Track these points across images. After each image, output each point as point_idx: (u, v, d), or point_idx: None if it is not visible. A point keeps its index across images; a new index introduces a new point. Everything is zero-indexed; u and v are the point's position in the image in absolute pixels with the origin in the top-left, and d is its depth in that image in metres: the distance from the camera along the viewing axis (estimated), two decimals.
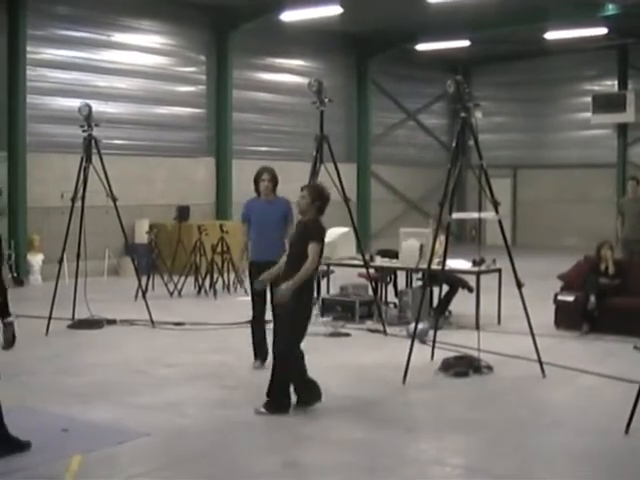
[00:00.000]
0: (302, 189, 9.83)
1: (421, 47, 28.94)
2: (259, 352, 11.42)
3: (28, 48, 20.90)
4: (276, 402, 9.35)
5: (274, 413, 9.24)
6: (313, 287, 9.82)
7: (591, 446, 8.36)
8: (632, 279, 14.40)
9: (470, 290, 14.52)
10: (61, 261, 14.64)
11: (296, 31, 26.42)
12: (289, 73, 27.45)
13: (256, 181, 12.33)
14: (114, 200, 14.50)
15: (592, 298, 13.95)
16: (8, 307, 8.01)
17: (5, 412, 7.99)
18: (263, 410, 9.30)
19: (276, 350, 9.59)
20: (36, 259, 20.67)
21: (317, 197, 9.61)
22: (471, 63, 32.62)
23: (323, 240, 9.52)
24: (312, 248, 9.32)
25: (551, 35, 26.78)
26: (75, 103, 15.91)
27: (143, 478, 7.42)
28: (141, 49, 23.64)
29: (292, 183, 23.14)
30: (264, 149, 26.79)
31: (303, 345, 9.47)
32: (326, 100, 13.79)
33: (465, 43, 28.01)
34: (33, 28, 21.07)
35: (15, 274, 20.49)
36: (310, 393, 9.47)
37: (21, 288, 20.15)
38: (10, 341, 8.07)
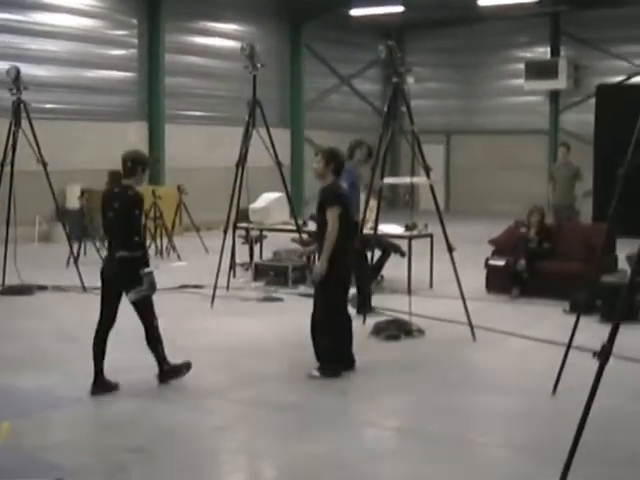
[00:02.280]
0: (316, 154, 9.81)
1: (355, 12, 28.86)
2: None
3: None
4: (328, 366, 9.36)
5: (327, 377, 9.28)
6: (344, 250, 9.44)
7: (520, 407, 8.51)
8: (562, 244, 14.58)
9: (402, 255, 14.60)
10: None
11: None
12: (222, 37, 27.21)
13: None
14: (44, 165, 14.33)
15: (522, 262, 14.12)
16: (147, 261, 8.86)
17: None
18: (316, 373, 9.33)
19: (315, 319, 9.53)
20: None
21: (331, 160, 9.59)
22: (405, 29, 32.62)
23: (341, 203, 9.40)
24: (329, 213, 9.31)
25: (485, 1, 26.87)
26: (3, 66, 15.65)
27: (73, 444, 7.43)
28: (71, 11, 23.24)
29: (224, 148, 23.20)
30: (197, 114, 26.61)
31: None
32: (259, 65, 13.71)
33: (399, 8, 27.97)
34: None
35: None
36: (334, 366, 9.43)
37: None
38: (153, 287, 8.91)
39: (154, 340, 9.15)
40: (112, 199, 8.96)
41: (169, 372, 9.17)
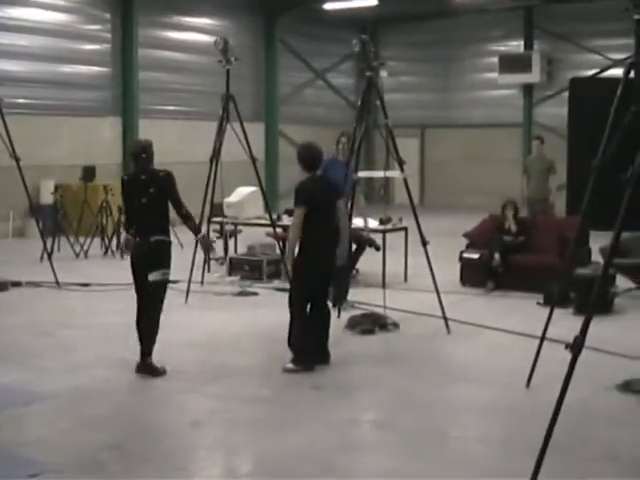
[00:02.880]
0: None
1: (329, 6, 28.84)
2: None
3: None
4: (300, 358, 9.40)
5: (300, 370, 9.32)
6: (310, 248, 9.43)
7: (494, 400, 8.54)
8: (536, 237, 14.66)
9: (377, 248, 14.62)
10: None
11: None
12: (196, 31, 27.14)
13: None
14: (17, 160, 14.27)
15: (496, 256, 14.18)
16: (197, 227, 9.79)
17: None
18: (290, 366, 9.35)
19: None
20: None
21: (300, 156, 9.71)
22: (379, 22, 32.63)
23: (305, 201, 9.37)
24: (295, 212, 9.44)
25: None
26: None
27: (48, 440, 7.39)
28: (44, 6, 23.10)
29: (199, 143, 23.15)
30: (172, 108, 26.53)
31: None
32: (232, 59, 13.70)
33: (373, 2, 27.97)
34: None
35: None
36: (308, 359, 9.44)
37: None
38: (209, 248, 10.14)
39: (152, 325, 9.30)
40: (145, 185, 9.29)
41: (148, 367, 9.21)
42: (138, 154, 9.52)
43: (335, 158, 13.26)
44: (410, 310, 12.40)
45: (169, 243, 9.39)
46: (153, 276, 9.20)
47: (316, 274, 9.58)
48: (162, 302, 9.39)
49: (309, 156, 9.70)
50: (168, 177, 9.44)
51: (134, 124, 24.92)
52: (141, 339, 9.30)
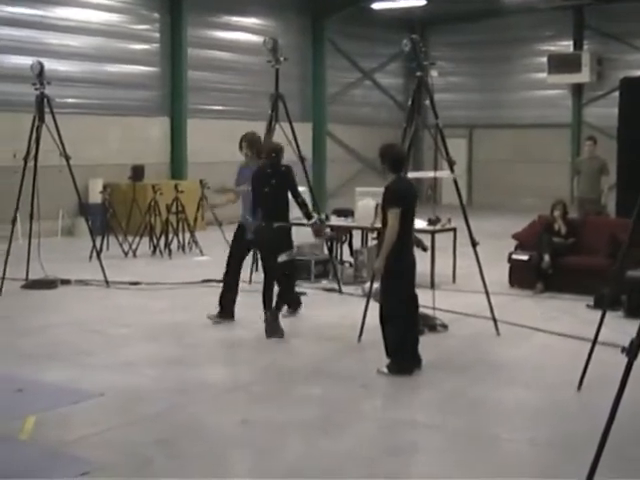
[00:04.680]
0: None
1: (377, 6, 28.81)
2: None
3: None
4: (396, 363, 9.28)
5: (395, 374, 9.19)
6: (405, 250, 9.44)
7: (544, 402, 8.46)
8: (586, 238, 14.52)
9: (424, 249, 14.53)
10: (14, 221, 14.47)
11: None
12: (244, 31, 27.21)
13: None
14: (67, 159, 14.36)
15: (546, 257, 14.06)
16: (310, 212, 11.44)
17: None
18: (385, 370, 9.24)
19: (382, 314, 9.47)
20: None
21: (385, 156, 9.46)
22: (428, 22, 32.51)
23: (401, 202, 9.23)
24: (389, 214, 9.19)
25: None
26: (27, 61, 15.66)
27: (97, 438, 7.40)
28: (94, 6, 23.29)
29: None
30: (219, 108, 26.61)
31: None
32: (281, 58, 13.72)
33: (422, 2, 27.91)
34: None
35: None
36: (403, 363, 9.34)
37: None
38: (320, 232, 11.75)
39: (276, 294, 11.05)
40: (269, 177, 10.84)
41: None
42: (270, 152, 10.99)
43: None
44: (459, 311, 12.33)
45: (289, 227, 11.03)
46: (282, 257, 10.84)
47: (410, 275, 9.51)
48: (294, 275, 11.66)
49: (396, 156, 9.52)
50: (288, 170, 11.03)
51: (182, 124, 25.03)
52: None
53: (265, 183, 10.87)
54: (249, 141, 11.69)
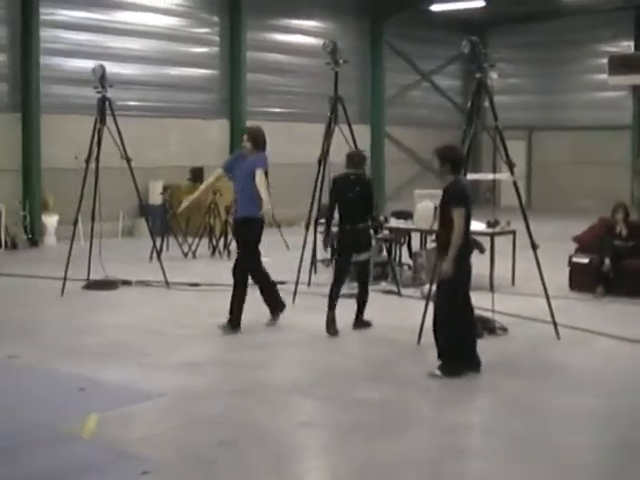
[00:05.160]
0: (433, 153, 9.57)
1: (436, 8, 28.73)
2: None
3: (41, 9, 20.87)
4: (449, 365, 9.26)
5: (448, 376, 9.18)
6: (466, 252, 9.46)
7: (606, 407, 8.39)
8: None
9: (481, 251, 14.48)
10: (76, 222, 14.65)
11: None
12: (303, 34, 27.31)
13: None
14: (128, 161, 14.49)
15: (607, 260, 13.93)
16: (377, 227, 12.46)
17: (23, 371, 8.06)
18: (438, 372, 9.23)
19: (437, 316, 9.46)
20: (51, 220, 20.71)
21: (446, 158, 9.39)
22: (486, 24, 32.35)
23: (464, 202, 9.22)
24: (455, 214, 9.14)
25: None
26: (89, 64, 15.89)
27: (158, 437, 7.47)
28: (154, 10, 23.53)
29: (304, 144, 23.28)
30: (278, 110, 26.73)
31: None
32: (341, 61, 13.74)
33: (480, 3, 27.80)
34: None
35: (30, 235, 20.57)
36: (456, 365, 9.32)
37: (36, 249, 20.26)
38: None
39: (363, 292, 11.67)
40: (353, 184, 11.45)
41: (362, 323, 11.66)
42: (353, 159, 11.66)
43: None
44: (518, 314, 12.26)
45: (369, 229, 11.56)
46: (362, 257, 11.46)
47: (467, 277, 9.49)
48: (369, 274, 11.96)
49: (456, 157, 9.49)
50: (370, 182, 11.84)
51: (241, 126, 25.10)
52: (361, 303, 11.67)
53: (350, 189, 11.43)
54: (251, 134, 11.71)
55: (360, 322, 11.69)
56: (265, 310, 11.73)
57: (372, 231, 11.92)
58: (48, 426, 7.66)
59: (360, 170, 11.68)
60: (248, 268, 11.58)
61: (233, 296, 11.48)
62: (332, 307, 11.45)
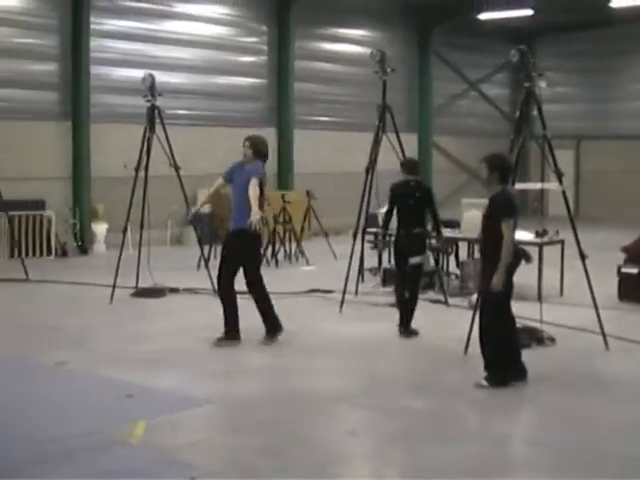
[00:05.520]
0: (481, 161, 9.52)
1: (484, 16, 28.62)
2: None
3: (91, 19, 21.08)
4: (496, 375, 9.23)
5: (494, 387, 9.14)
6: (513, 263, 9.45)
7: None
8: None
9: (528, 261, 14.35)
10: (125, 230, 14.76)
11: (358, 1, 26.39)
12: (350, 43, 27.34)
13: None
14: (177, 169, 14.58)
15: None
16: (440, 228, 12.46)
17: (72, 377, 8.13)
18: (484, 383, 9.20)
19: (482, 326, 9.43)
20: (100, 228, 20.88)
21: (495, 166, 9.33)
22: (534, 32, 32.17)
23: (513, 213, 9.18)
24: (503, 226, 9.09)
25: (617, 3, 26.31)
26: (137, 73, 16.02)
27: (205, 444, 7.51)
28: (203, 19, 23.70)
29: (351, 153, 23.31)
30: (325, 119, 26.79)
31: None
32: (389, 70, 13.75)
33: (528, 12, 27.65)
34: None
35: (79, 242, 20.76)
36: (503, 375, 9.28)
37: (85, 256, 20.45)
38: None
39: (412, 298, 11.84)
40: (413, 190, 11.97)
41: (410, 331, 11.71)
42: (409, 166, 12.26)
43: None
44: (567, 325, 12.17)
45: (425, 234, 12.03)
46: (415, 260, 11.73)
47: (511, 287, 9.44)
48: (419, 280, 12.11)
49: (506, 167, 9.43)
50: (429, 188, 12.32)
51: (289, 135, 25.25)
52: (406, 310, 11.78)
53: (410, 196, 11.91)
54: (252, 142, 11.57)
55: (407, 330, 11.71)
56: (318, 318, 11.75)
57: (431, 235, 12.41)
58: (96, 432, 7.72)
59: (417, 176, 12.16)
60: (251, 282, 11.28)
61: (225, 312, 11.23)
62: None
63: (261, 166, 11.31)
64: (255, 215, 10.71)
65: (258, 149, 11.39)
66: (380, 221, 15.82)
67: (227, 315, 11.19)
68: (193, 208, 12.70)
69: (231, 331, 11.16)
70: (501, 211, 9.17)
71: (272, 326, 11.27)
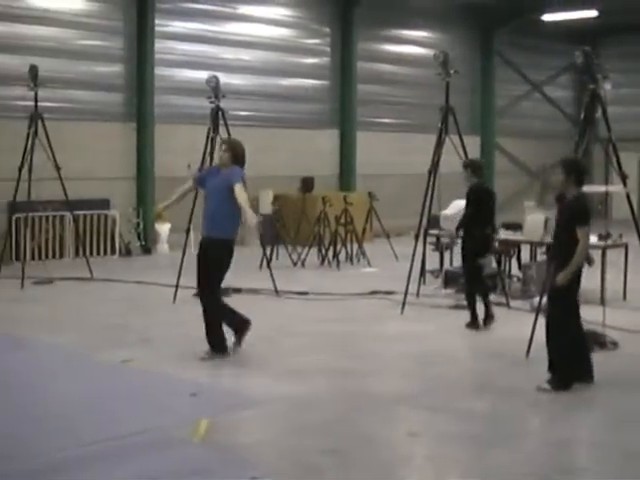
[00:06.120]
0: (554, 165, 9.50)
1: (547, 17, 28.41)
2: None
3: (156, 21, 21.31)
4: (559, 379, 9.19)
5: (557, 390, 9.11)
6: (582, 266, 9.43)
7: None
8: None
9: (590, 263, 14.24)
10: (188, 231, 14.89)
11: (420, 2, 26.35)
12: (413, 44, 27.31)
13: None
14: None
15: None
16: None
17: (136, 375, 8.22)
18: (547, 386, 9.17)
19: (549, 327, 9.40)
20: (163, 228, 21.07)
21: (571, 170, 9.23)
22: (599, 34, 31.83)
23: (589, 220, 9.14)
24: (581, 233, 9.03)
25: None
26: (201, 75, 16.16)
27: (267, 444, 7.57)
28: (266, 21, 23.82)
29: (413, 155, 23.29)
30: (387, 121, 26.79)
31: None
32: (452, 71, 13.73)
33: (593, 13, 27.41)
34: (161, 1, 21.48)
35: (143, 242, 20.98)
36: (566, 379, 9.22)
37: (148, 256, 20.65)
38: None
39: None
40: (491, 193, 12.75)
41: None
42: (481, 168, 12.71)
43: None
44: (630, 329, 12.06)
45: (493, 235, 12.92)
46: (479, 262, 12.44)
47: (578, 290, 9.40)
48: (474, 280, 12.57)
49: (582, 171, 9.32)
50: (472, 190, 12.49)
51: (352, 136, 25.29)
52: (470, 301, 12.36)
53: (491, 198, 12.57)
54: (231, 146, 10.74)
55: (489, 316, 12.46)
56: (379, 319, 11.76)
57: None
58: (159, 429, 7.82)
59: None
60: (208, 289, 10.75)
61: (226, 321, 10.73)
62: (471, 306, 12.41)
63: (240, 171, 10.48)
64: (252, 219, 10.10)
65: (236, 153, 10.56)
66: (454, 222, 15.82)
67: (227, 323, 10.71)
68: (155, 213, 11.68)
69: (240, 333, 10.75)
70: (579, 218, 9.09)
71: (214, 342, 10.52)
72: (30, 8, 19.69)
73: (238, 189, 10.15)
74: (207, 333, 10.52)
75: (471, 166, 12.52)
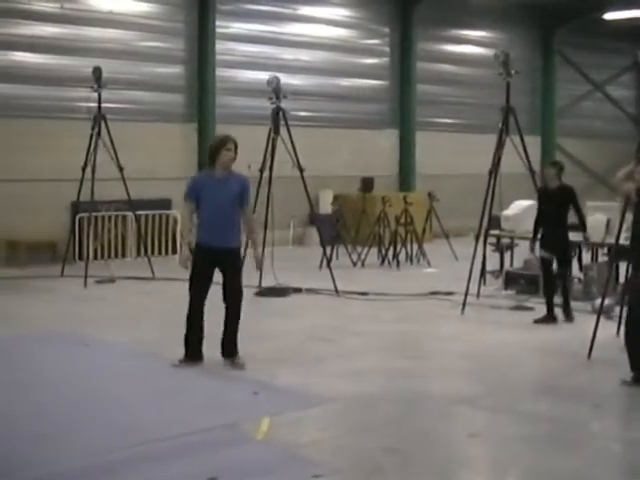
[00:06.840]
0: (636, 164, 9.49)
1: (609, 16, 28.14)
2: None
3: (217, 22, 21.47)
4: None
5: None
6: None
7: None
8: None
9: None
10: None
11: (480, 1, 26.26)
12: (472, 44, 27.23)
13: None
14: (301, 171, 14.74)
15: None
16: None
17: (200, 375, 8.28)
18: (629, 380, 9.16)
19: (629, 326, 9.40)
20: None
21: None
22: None
23: None
24: None
25: None
26: (262, 76, 16.27)
27: (328, 443, 7.60)
28: (326, 22, 23.89)
29: (473, 155, 23.19)
30: (447, 121, 26.73)
31: None
32: (513, 71, 13.67)
33: None
34: (222, 3, 21.63)
35: None
36: None
37: None
38: None
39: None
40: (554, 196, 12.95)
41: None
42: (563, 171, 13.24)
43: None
44: None
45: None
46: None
47: None
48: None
49: None
50: (572, 190, 13.10)
51: (411, 136, 25.28)
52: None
53: (552, 201, 12.87)
54: (237, 145, 10.45)
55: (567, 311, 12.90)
56: (439, 319, 11.74)
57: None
58: (223, 427, 7.89)
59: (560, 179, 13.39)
60: (240, 295, 10.66)
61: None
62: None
63: (250, 186, 10.46)
64: (259, 248, 10.29)
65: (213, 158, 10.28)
66: (517, 223, 15.75)
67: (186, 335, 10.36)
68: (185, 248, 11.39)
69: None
70: None
71: (232, 349, 10.28)
72: (94, 10, 19.94)
73: (250, 210, 10.38)
74: (228, 340, 10.29)
75: (559, 166, 13.20)
